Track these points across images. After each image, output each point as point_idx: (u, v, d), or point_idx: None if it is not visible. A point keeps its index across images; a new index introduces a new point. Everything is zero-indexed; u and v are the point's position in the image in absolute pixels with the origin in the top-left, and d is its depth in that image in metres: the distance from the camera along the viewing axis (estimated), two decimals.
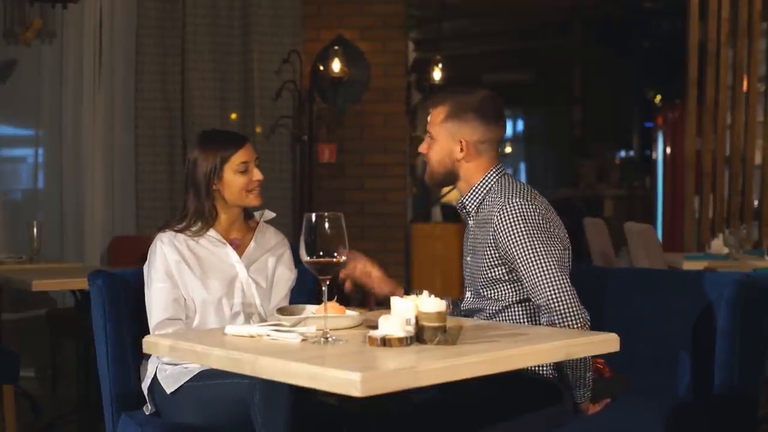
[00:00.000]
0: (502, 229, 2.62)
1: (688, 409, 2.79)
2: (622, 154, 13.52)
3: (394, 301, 2.10)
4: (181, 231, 2.86)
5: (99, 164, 6.25)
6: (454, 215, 9.90)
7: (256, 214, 3.00)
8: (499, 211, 2.64)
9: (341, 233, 2.08)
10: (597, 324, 2.71)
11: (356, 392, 1.72)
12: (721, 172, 7.17)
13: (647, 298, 2.98)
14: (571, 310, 2.54)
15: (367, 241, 6.75)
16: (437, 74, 7.05)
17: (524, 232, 2.60)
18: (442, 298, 2.11)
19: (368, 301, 6.67)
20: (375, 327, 2.08)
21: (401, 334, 2.02)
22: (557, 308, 2.54)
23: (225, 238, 2.89)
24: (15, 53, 6.10)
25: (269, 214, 3.01)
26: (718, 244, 5.39)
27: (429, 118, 2.82)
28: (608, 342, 2.21)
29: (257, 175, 2.87)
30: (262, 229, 2.98)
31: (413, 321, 2.06)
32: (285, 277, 2.96)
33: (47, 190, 6.30)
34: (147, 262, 2.84)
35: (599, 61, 12.81)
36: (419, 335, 2.06)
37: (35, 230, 4.95)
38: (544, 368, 2.69)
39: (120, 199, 6.37)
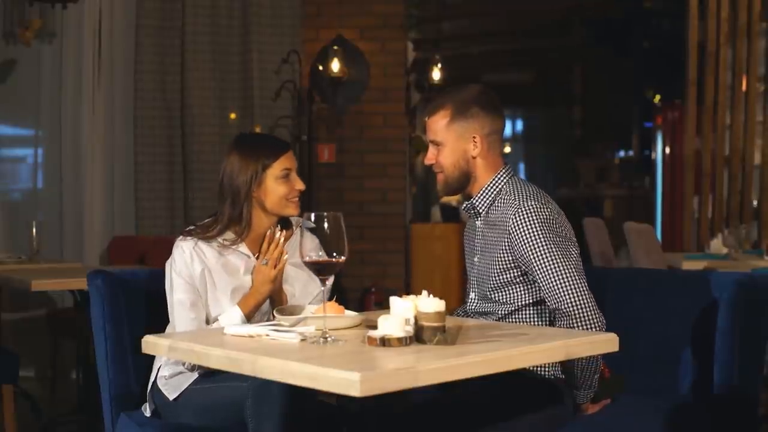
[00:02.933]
0: (518, 232, 2.60)
1: (688, 409, 2.79)
2: (622, 154, 13.52)
3: (394, 301, 2.10)
4: (209, 239, 2.70)
5: (98, 164, 6.25)
6: (453, 215, 9.91)
7: (293, 220, 2.82)
8: (514, 214, 2.62)
9: (340, 233, 2.07)
10: None
11: (355, 392, 1.72)
12: (721, 172, 7.18)
13: (647, 298, 2.98)
14: (589, 315, 2.54)
15: (366, 242, 6.75)
16: (437, 74, 7.05)
17: (541, 236, 2.58)
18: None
19: (367, 302, 6.68)
20: (374, 327, 2.08)
21: (400, 334, 2.02)
22: (576, 313, 2.53)
23: (255, 252, 2.75)
24: (15, 53, 6.11)
25: (308, 224, 2.87)
26: (717, 244, 5.38)
27: (430, 128, 2.76)
28: (608, 342, 2.20)
29: (299, 184, 2.73)
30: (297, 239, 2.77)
31: (412, 321, 2.06)
32: (312, 288, 2.78)
33: (47, 190, 6.30)
34: (169, 263, 2.71)
35: (599, 61, 12.81)
36: (418, 335, 2.06)
37: (34, 230, 4.95)
38: (545, 368, 2.68)
39: (119, 199, 6.37)
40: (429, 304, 2.06)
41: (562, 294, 2.55)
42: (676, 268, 5.06)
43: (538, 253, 2.57)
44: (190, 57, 6.49)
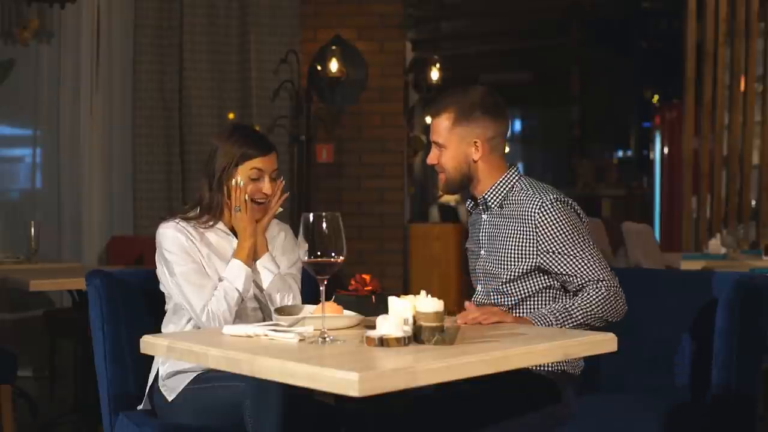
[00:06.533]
0: (547, 226, 2.64)
1: (687, 409, 2.79)
2: (620, 153, 13.53)
3: (392, 301, 2.10)
4: (187, 220, 2.76)
5: (97, 164, 6.25)
6: (451, 215, 9.91)
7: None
8: (539, 209, 2.65)
9: (339, 233, 2.07)
10: None
11: (354, 392, 1.71)
12: (719, 171, 7.19)
13: (645, 298, 2.98)
14: (611, 279, 2.65)
15: (364, 241, 6.75)
16: (435, 74, 7.06)
17: (569, 229, 2.65)
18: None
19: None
20: (373, 327, 2.07)
21: (399, 334, 2.02)
22: (602, 279, 2.63)
23: (232, 231, 2.80)
24: (13, 53, 6.10)
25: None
26: (715, 244, 5.39)
27: (433, 128, 2.79)
28: (606, 342, 2.21)
29: (267, 188, 2.75)
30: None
31: (411, 321, 2.06)
32: (289, 260, 2.86)
33: (45, 190, 6.30)
34: (159, 253, 2.74)
35: (597, 61, 12.80)
36: (417, 335, 2.06)
37: (33, 230, 4.94)
38: (544, 367, 2.68)
39: (118, 199, 6.37)
40: (427, 304, 2.06)
41: (591, 271, 2.63)
42: (675, 268, 5.07)
43: (568, 246, 2.63)
44: (188, 57, 6.49)
